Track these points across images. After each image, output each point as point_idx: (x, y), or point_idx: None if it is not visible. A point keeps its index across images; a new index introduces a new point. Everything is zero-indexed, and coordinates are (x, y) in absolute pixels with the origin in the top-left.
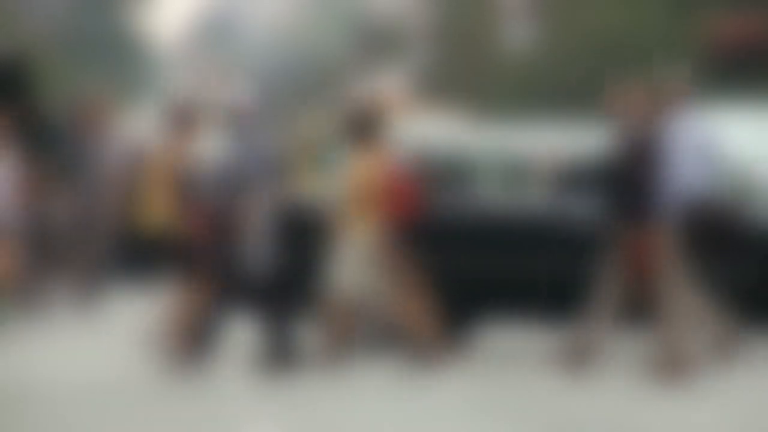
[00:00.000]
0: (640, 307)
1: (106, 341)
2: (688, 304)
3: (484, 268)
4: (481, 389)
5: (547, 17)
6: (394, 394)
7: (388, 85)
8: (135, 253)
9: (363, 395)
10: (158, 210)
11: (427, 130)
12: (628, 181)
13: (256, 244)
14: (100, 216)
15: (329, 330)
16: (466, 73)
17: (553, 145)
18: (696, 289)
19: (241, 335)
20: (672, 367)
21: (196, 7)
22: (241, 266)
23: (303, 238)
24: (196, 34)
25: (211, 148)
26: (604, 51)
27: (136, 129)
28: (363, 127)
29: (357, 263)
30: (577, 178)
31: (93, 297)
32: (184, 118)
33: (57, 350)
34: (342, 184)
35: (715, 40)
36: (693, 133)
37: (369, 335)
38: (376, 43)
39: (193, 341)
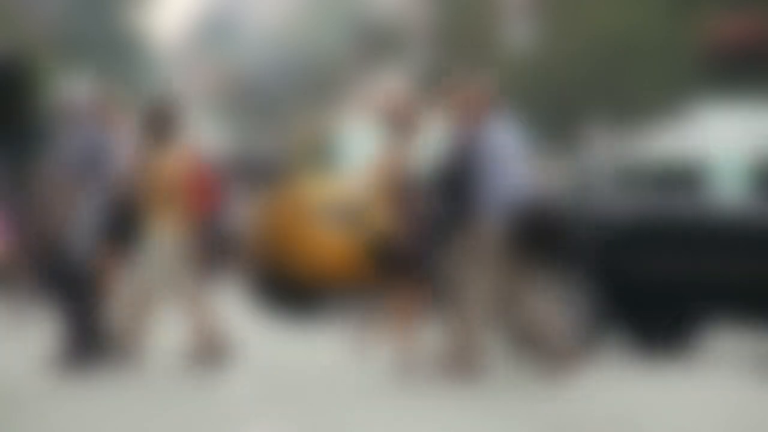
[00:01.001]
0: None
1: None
2: (482, 303)
3: (715, 272)
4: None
5: (548, 17)
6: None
7: (387, 85)
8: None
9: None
10: (379, 215)
11: (428, 131)
12: (452, 185)
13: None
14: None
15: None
16: (466, 73)
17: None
18: (532, 289)
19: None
20: (460, 363)
21: (196, 7)
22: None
23: None
24: (196, 33)
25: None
26: (605, 51)
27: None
28: (159, 125)
29: (160, 256)
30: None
31: None
32: (404, 123)
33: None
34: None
35: (715, 40)
36: (506, 136)
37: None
38: (376, 43)
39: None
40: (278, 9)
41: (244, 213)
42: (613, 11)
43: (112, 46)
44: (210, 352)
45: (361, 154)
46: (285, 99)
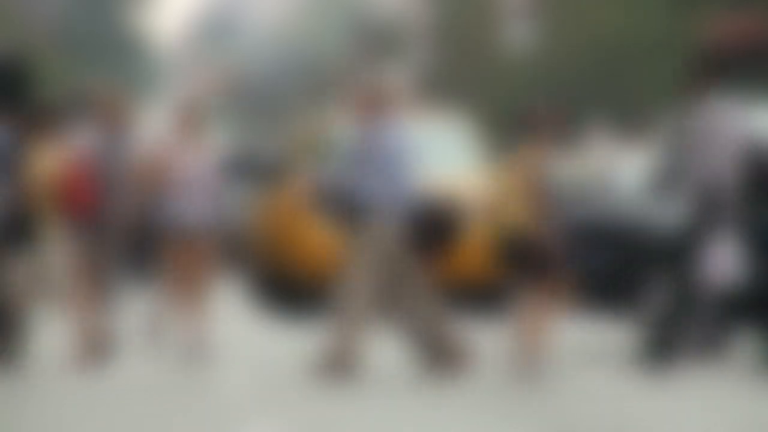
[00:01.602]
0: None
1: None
2: (364, 302)
3: None
4: None
5: (547, 17)
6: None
7: (387, 85)
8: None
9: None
10: (515, 216)
11: (427, 130)
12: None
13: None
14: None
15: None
16: (466, 73)
17: None
18: (420, 288)
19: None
20: (338, 363)
21: (197, 6)
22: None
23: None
24: (196, 33)
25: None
26: (605, 51)
27: (142, 129)
28: (41, 126)
29: (43, 256)
30: None
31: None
32: (541, 127)
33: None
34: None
35: (715, 40)
36: (402, 135)
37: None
38: (376, 42)
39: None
40: (278, 9)
41: (244, 213)
42: (613, 11)
43: (112, 46)
44: (93, 353)
45: None
46: (285, 99)
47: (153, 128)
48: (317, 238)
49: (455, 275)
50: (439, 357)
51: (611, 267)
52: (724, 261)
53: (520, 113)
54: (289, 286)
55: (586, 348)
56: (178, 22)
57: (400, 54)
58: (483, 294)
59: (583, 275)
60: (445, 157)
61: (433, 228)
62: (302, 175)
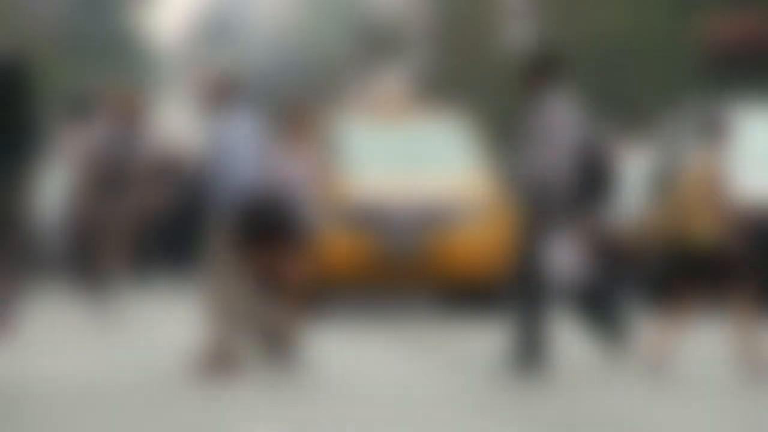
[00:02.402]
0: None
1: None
2: (235, 299)
3: None
4: None
5: (548, 17)
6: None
7: (387, 85)
8: (683, 269)
9: None
10: (703, 226)
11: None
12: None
13: None
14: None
15: None
16: (466, 73)
17: None
18: (244, 284)
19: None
20: (216, 364)
21: (197, 6)
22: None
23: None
24: (196, 33)
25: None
26: (604, 51)
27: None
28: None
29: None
30: None
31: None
32: (718, 131)
33: (66, 350)
34: None
35: (715, 40)
36: (242, 126)
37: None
38: (375, 42)
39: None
40: (278, 9)
41: None
42: (613, 11)
43: (113, 46)
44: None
45: (361, 154)
46: (285, 98)
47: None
48: (321, 240)
49: (454, 275)
50: (276, 352)
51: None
52: (561, 257)
53: (703, 116)
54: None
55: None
56: (178, 22)
57: (400, 54)
58: (480, 294)
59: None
60: (444, 157)
61: (263, 225)
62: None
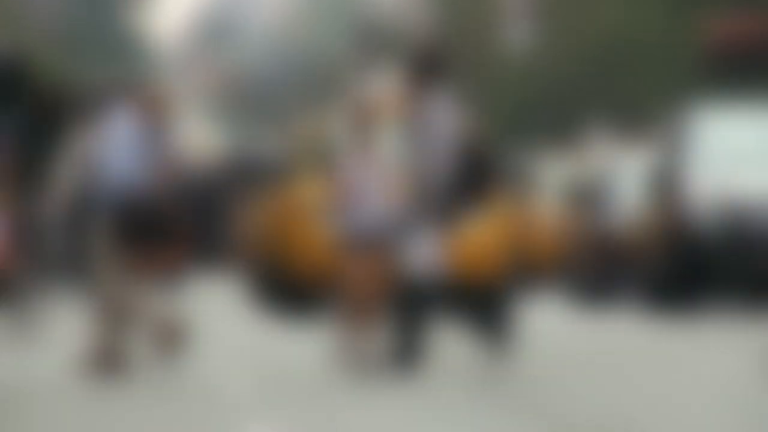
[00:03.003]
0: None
1: None
2: (119, 297)
3: None
4: None
5: (548, 17)
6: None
7: (387, 85)
8: None
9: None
10: None
11: None
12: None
13: None
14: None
15: None
16: (467, 73)
17: None
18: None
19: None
20: (104, 360)
21: (197, 6)
22: None
23: None
24: (196, 33)
25: None
26: (605, 51)
27: None
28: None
29: None
30: None
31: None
32: None
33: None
34: None
35: (715, 40)
36: (122, 125)
37: None
38: (376, 42)
39: None
40: (278, 9)
41: (243, 212)
42: (613, 11)
43: (112, 45)
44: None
45: None
46: (285, 99)
47: None
48: (317, 239)
49: (455, 274)
50: (163, 339)
51: None
52: (427, 253)
53: None
54: (289, 287)
55: None
56: (178, 22)
57: (400, 54)
58: (483, 293)
59: None
60: None
61: (138, 223)
62: (303, 175)
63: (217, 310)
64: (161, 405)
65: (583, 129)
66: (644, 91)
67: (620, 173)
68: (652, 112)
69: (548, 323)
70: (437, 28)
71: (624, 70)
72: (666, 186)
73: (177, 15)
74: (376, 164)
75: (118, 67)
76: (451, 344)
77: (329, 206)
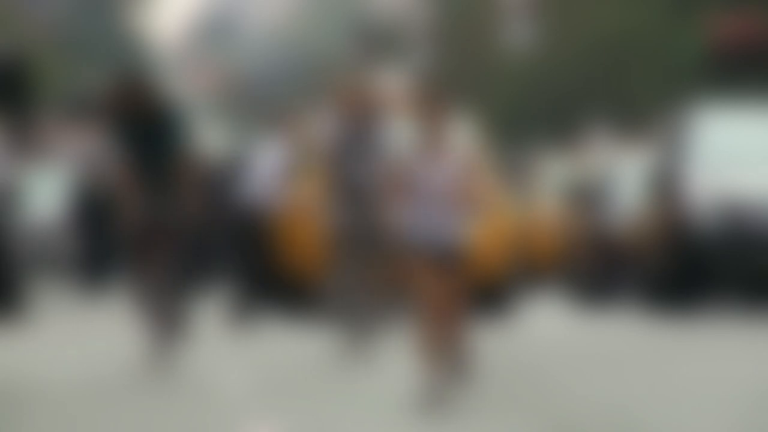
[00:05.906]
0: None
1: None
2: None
3: None
4: None
5: (547, 17)
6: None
7: (387, 85)
8: None
9: None
10: None
11: None
12: None
13: None
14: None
15: None
16: (467, 73)
17: None
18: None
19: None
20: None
21: (196, 6)
22: None
23: None
24: (196, 33)
25: None
26: (604, 51)
27: None
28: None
29: None
30: None
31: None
32: None
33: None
34: None
35: (715, 40)
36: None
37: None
38: (376, 43)
39: None
40: (278, 9)
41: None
42: (613, 12)
43: (112, 45)
44: None
45: None
46: (285, 99)
47: None
48: (315, 238)
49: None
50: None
51: None
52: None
53: None
54: (285, 286)
55: None
56: (178, 22)
57: (401, 54)
58: (488, 292)
59: None
60: None
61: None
62: (302, 172)
63: (216, 310)
64: (161, 405)
65: (583, 129)
66: (644, 91)
67: (620, 173)
68: (652, 112)
69: (548, 323)
70: (437, 28)
71: (624, 70)
72: (666, 186)
73: (177, 15)
74: (447, 165)
75: (118, 68)
76: None
77: (396, 208)
